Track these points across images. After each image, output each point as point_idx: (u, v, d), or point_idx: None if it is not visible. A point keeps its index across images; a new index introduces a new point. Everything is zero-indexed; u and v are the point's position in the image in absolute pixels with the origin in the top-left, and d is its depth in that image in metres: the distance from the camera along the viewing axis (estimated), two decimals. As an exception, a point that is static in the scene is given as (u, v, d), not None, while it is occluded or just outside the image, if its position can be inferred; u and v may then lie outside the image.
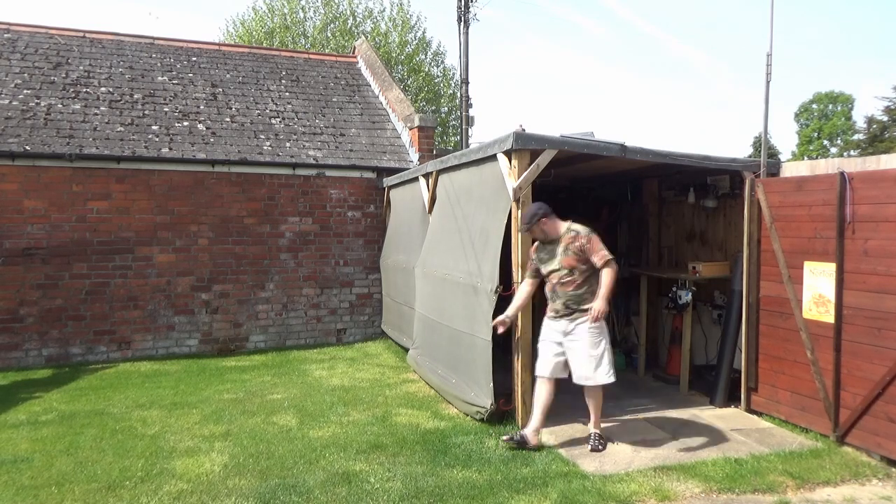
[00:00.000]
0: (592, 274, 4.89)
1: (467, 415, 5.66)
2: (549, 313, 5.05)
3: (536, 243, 5.12)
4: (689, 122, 65.09)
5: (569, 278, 4.87)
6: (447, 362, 6.34)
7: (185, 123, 9.26)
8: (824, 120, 42.05)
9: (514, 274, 5.40)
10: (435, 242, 7.06)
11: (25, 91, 8.89)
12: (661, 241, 7.90)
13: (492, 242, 5.50)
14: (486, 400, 5.36)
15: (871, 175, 4.79)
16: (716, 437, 5.22)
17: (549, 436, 5.21)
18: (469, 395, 5.66)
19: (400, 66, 23.28)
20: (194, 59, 10.80)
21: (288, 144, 9.48)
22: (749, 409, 5.85)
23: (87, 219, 8.26)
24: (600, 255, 4.82)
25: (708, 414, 5.84)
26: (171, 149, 8.70)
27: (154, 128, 9.00)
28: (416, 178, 7.95)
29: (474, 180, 6.22)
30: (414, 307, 7.70)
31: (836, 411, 4.96)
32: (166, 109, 9.41)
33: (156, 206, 8.55)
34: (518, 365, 5.36)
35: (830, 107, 42.31)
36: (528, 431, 4.95)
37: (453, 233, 6.46)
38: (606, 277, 4.79)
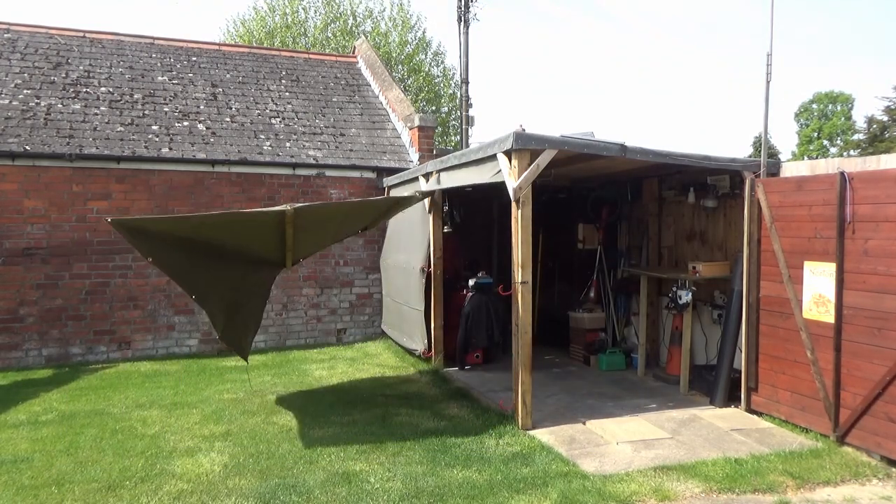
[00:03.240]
0: None
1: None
2: None
3: None
4: (689, 122, 65.08)
5: None
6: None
7: (185, 123, 9.26)
8: (824, 120, 42.02)
9: (515, 273, 5.40)
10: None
11: (25, 91, 8.88)
12: (661, 241, 7.90)
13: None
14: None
15: (871, 175, 4.79)
16: (716, 436, 5.22)
17: (550, 436, 5.21)
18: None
19: (400, 66, 23.27)
20: (194, 59, 10.80)
21: (288, 144, 9.47)
22: (749, 409, 5.85)
23: (87, 219, 8.26)
24: None
25: (708, 414, 5.84)
26: (171, 149, 8.70)
27: (154, 128, 8.99)
28: (416, 178, 7.94)
29: (472, 178, 6.24)
30: (412, 306, 7.77)
31: (836, 411, 4.96)
32: (166, 109, 9.41)
33: (156, 206, 8.55)
34: (519, 364, 5.36)
35: (830, 107, 42.28)
36: None
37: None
38: None
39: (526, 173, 5.25)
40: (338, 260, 9.49)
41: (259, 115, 9.91)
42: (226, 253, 5.27)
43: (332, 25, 23.05)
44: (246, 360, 6.62)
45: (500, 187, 5.66)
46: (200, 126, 9.30)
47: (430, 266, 7.57)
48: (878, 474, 4.44)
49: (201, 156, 8.75)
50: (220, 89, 10.22)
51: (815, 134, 41.83)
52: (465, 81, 16.37)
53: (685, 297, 6.56)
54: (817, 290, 5.12)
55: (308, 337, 9.33)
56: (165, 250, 4.93)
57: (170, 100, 9.62)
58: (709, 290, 6.93)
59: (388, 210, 6.50)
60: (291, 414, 5.86)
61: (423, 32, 24.39)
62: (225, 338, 5.95)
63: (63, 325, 8.17)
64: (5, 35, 9.82)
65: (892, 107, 29.46)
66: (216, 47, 11.58)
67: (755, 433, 5.31)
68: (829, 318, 5.00)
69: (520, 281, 5.32)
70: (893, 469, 4.52)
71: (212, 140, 9.09)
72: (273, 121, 9.87)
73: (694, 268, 6.60)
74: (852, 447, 4.86)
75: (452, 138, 24.11)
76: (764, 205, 5.63)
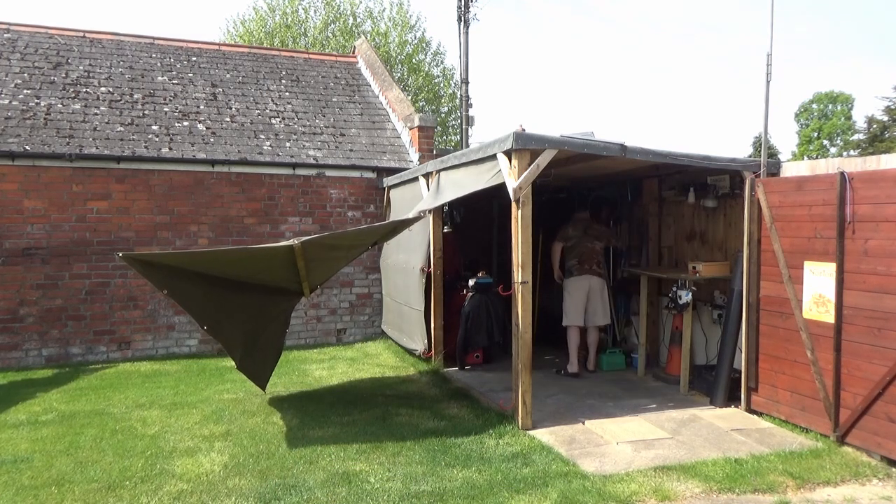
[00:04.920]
0: None
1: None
2: None
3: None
4: (689, 122, 65.06)
5: None
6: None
7: (185, 123, 9.26)
8: (824, 120, 41.98)
9: (515, 273, 5.40)
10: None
11: (25, 91, 8.89)
12: (661, 241, 7.90)
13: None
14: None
15: (872, 175, 4.79)
16: (716, 436, 5.22)
17: (550, 436, 5.21)
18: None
19: (400, 66, 23.29)
20: (194, 58, 10.80)
21: (288, 144, 9.48)
22: (749, 409, 5.85)
23: (87, 219, 8.26)
24: None
25: (708, 414, 5.84)
26: (171, 149, 8.70)
27: (154, 128, 8.99)
28: (416, 178, 7.95)
29: (471, 179, 6.24)
30: (412, 306, 7.77)
31: (836, 411, 4.96)
32: (166, 109, 9.41)
33: (156, 206, 8.55)
34: (519, 364, 5.37)
35: (830, 107, 42.24)
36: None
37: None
38: None
39: (526, 173, 5.25)
40: (338, 260, 9.48)
41: (259, 115, 9.91)
42: (242, 284, 5.30)
43: (332, 25, 23.07)
44: (263, 389, 6.42)
45: (499, 187, 5.66)
46: (200, 126, 9.30)
47: (430, 266, 7.57)
48: (878, 474, 4.44)
49: (201, 156, 8.75)
50: (220, 89, 10.22)
51: (815, 134, 41.80)
52: (465, 81, 16.38)
53: (685, 297, 6.56)
54: (817, 290, 5.12)
55: (308, 337, 9.34)
56: (180, 282, 4.92)
57: (170, 100, 9.63)
58: (709, 290, 6.93)
59: (393, 230, 6.53)
60: (291, 414, 5.86)
61: (423, 32, 24.45)
62: (242, 368, 5.95)
63: (63, 325, 8.17)
64: (5, 35, 9.82)
65: (892, 107, 29.47)
66: (216, 47, 11.58)
67: (755, 433, 5.31)
68: (830, 318, 5.00)
69: (520, 281, 5.32)
70: (893, 469, 4.52)
71: (212, 140, 9.09)
72: (273, 121, 9.87)
73: (694, 268, 6.60)
74: (852, 447, 4.86)
75: (452, 138, 24.12)
76: (764, 205, 5.63)
